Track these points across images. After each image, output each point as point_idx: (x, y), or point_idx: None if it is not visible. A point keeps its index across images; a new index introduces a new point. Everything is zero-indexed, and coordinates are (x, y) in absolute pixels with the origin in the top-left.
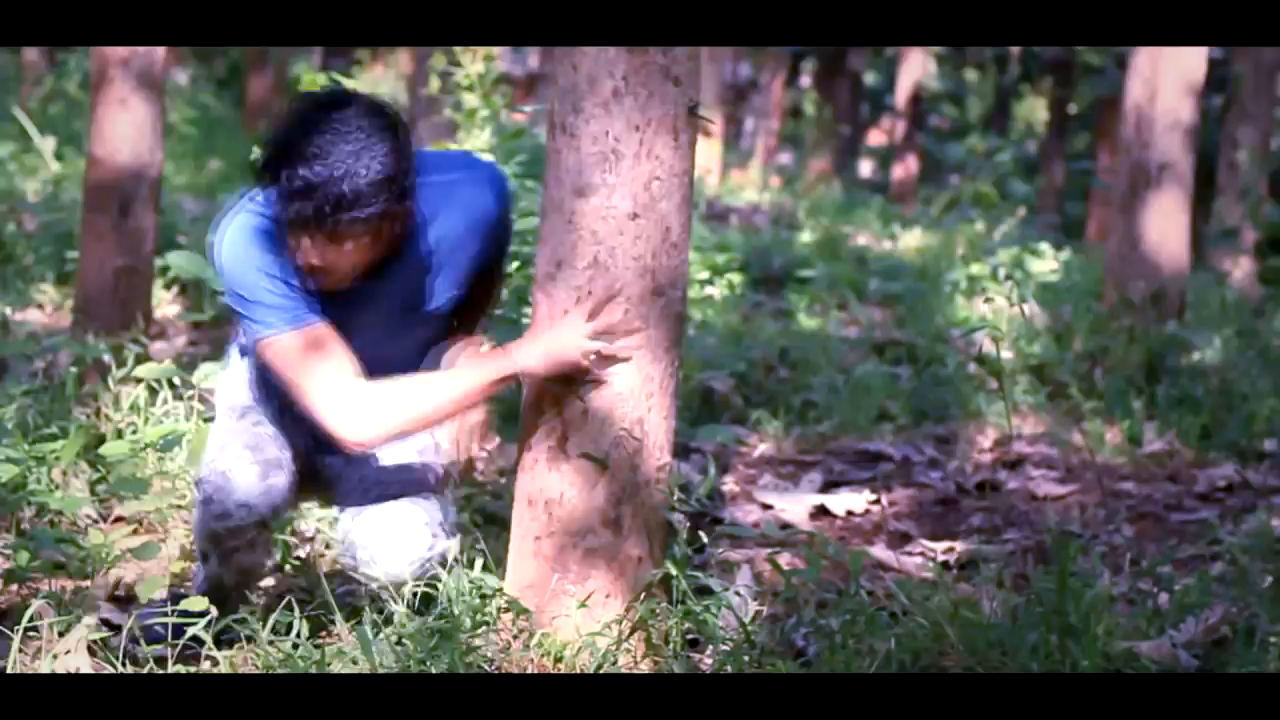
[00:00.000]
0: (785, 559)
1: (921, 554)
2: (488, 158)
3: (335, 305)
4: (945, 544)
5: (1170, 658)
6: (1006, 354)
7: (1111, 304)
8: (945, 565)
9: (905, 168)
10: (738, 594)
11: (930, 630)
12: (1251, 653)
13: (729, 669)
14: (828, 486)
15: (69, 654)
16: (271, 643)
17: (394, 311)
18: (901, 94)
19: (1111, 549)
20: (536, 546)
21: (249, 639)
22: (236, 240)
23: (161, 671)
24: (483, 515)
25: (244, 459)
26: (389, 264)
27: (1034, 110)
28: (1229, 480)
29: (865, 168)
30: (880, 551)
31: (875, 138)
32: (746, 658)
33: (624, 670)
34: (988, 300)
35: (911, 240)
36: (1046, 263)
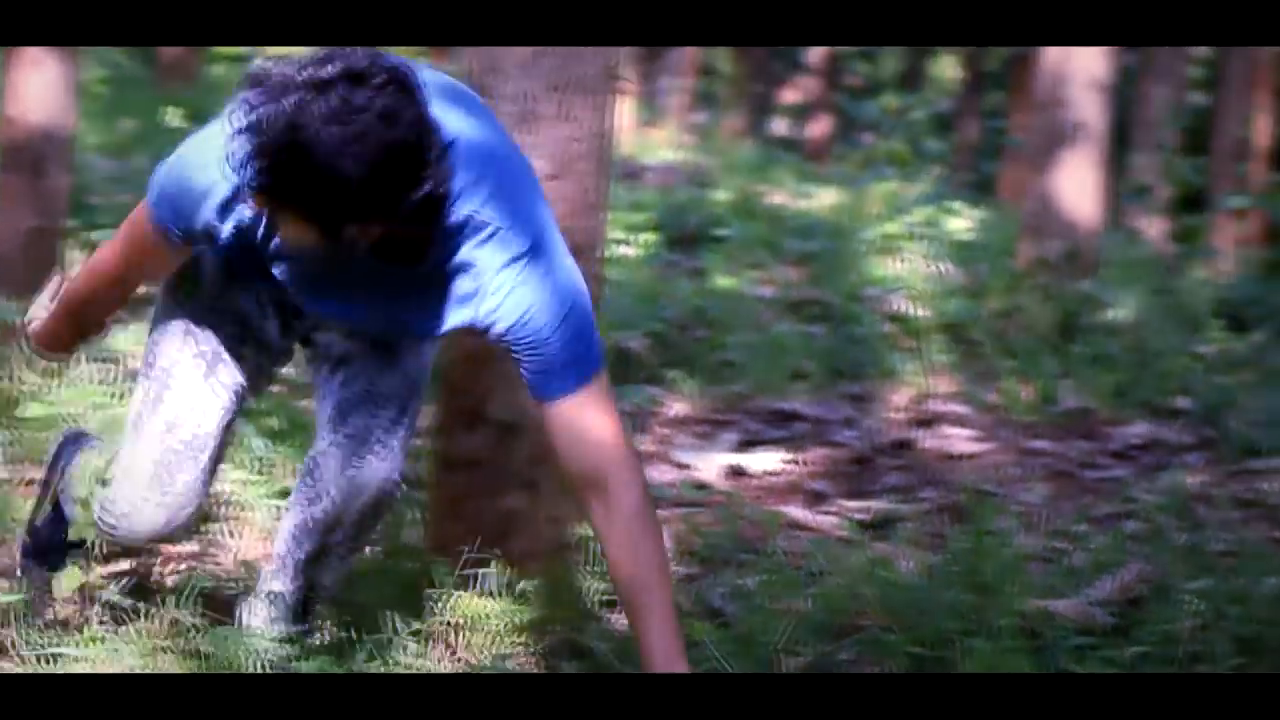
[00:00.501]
0: (702, 519)
1: (837, 513)
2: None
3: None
4: (861, 503)
5: (1085, 616)
6: (922, 312)
7: (1026, 262)
8: (861, 524)
9: (819, 126)
10: None
11: (847, 589)
12: (1166, 610)
13: None
14: (743, 446)
15: None
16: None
17: (376, 301)
18: (815, 52)
19: (1026, 507)
20: (455, 509)
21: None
22: (205, 140)
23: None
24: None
25: (150, 499)
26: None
27: (948, 68)
28: (1143, 438)
29: (780, 126)
30: (796, 511)
31: (789, 95)
32: None
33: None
34: (903, 259)
35: (826, 199)
36: (961, 221)
